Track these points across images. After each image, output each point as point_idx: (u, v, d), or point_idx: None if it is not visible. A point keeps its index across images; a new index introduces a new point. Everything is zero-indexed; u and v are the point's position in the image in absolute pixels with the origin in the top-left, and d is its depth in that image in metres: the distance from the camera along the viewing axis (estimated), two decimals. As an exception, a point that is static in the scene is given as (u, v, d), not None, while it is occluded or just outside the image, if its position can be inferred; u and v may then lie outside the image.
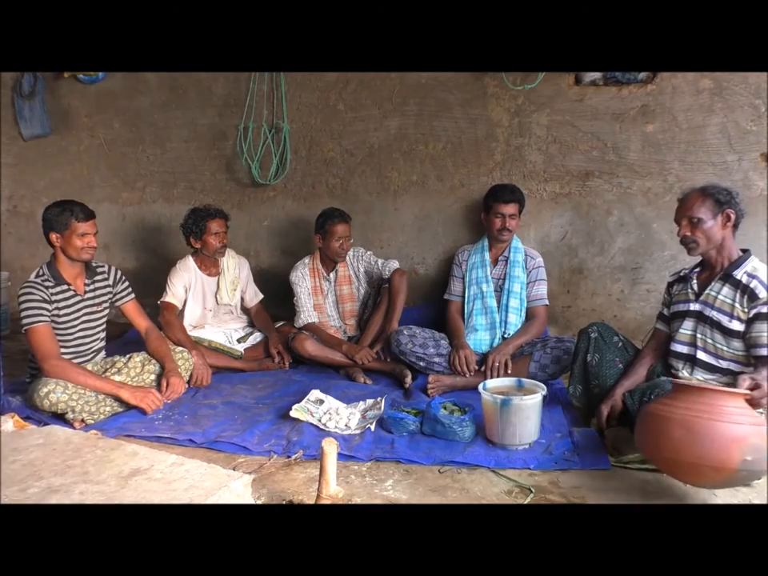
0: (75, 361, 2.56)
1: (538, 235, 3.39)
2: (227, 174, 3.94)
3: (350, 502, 1.82)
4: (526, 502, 1.85)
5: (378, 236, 3.68)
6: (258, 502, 1.80)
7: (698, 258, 2.22)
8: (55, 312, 2.51)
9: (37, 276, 2.53)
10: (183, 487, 1.43)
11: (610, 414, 2.17)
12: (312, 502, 1.74)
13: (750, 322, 2.01)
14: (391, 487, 1.94)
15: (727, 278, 2.09)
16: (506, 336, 2.94)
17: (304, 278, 3.26)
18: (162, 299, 3.13)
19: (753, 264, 2.07)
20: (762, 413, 2.01)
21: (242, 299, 3.40)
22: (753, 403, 1.71)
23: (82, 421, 2.39)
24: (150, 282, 3.80)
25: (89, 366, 2.61)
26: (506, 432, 2.16)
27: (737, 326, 2.04)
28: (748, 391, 1.71)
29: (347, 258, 3.29)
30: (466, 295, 3.07)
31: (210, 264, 3.26)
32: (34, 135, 4.31)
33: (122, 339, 3.54)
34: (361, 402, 2.63)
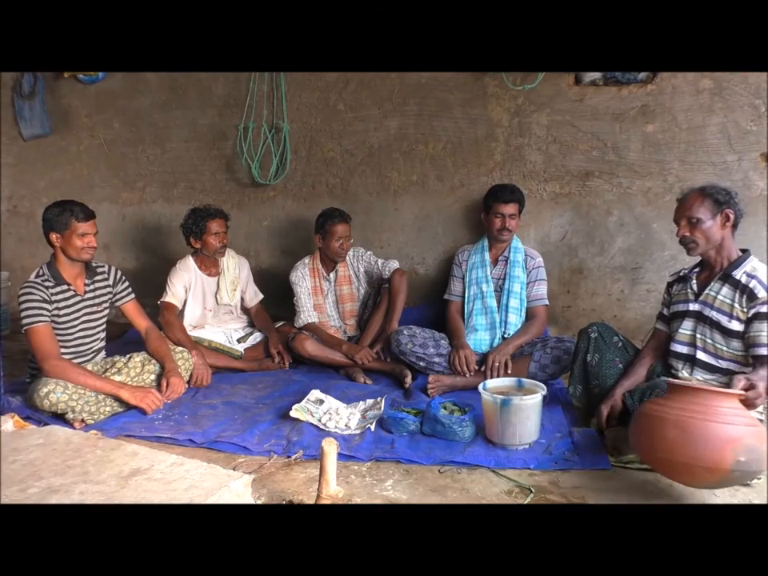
0: (75, 361, 2.56)
1: (538, 235, 3.39)
2: (227, 174, 3.94)
3: (350, 502, 1.83)
4: (525, 502, 1.85)
5: (377, 236, 3.69)
6: (258, 502, 1.80)
7: (698, 258, 2.22)
8: (55, 312, 2.51)
9: (37, 276, 2.53)
10: (183, 487, 1.43)
11: (610, 414, 2.17)
12: (312, 502, 1.74)
13: (748, 322, 2.01)
14: (391, 487, 1.94)
15: (726, 278, 2.09)
16: (505, 336, 2.94)
17: (304, 278, 3.26)
18: (161, 299, 3.13)
19: (752, 264, 2.07)
20: (762, 413, 2.02)
21: (242, 299, 3.40)
22: (747, 404, 1.71)
23: (82, 421, 2.39)
24: (150, 282, 3.80)
25: (89, 366, 2.61)
26: (506, 432, 2.16)
27: (736, 326, 2.04)
28: (742, 392, 1.71)
29: (347, 258, 3.29)
30: (466, 295, 3.07)
31: (210, 264, 3.26)
32: (34, 135, 4.31)
33: (122, 339, 3.54)
34: (361, 402, 2.63)
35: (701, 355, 2.13)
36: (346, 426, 2.40)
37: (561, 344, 2.75)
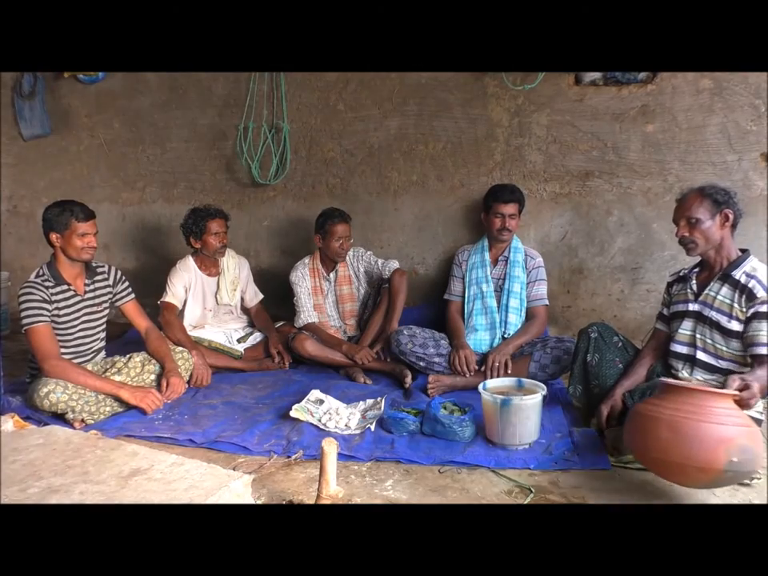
0: (75, 361, 2.56)
1: (538, 235, 3.39)
2: (227, 174, 3.94)
3: (350, 502, 1.83)
4: (525, 502, 1.85)
5: (378, 236, 3.69)
6: (258, 502, 1.80)
7: (698, 258, 2.22)
8: (55, 312, 2.51)
9: (37, 276, 2.53)
10: (183, 487, 1.43)
11: (610, 414, 2.17)
12: (312, 502, 1.74)
13: (747, 322, 2.01)
14: (391, 487, 1.94)
15: (726, 278, 2.09)
16: (505, 336, 2.94)
17: (304, 278, 3.26)
18: (161, 299, 3.13)
19: (752, 264, 2.07)
20: (762, 413, 2.02)
21: (242, 299, 3.40)
22: (742, 404, 1.71)
23: (82, 421, 2.39)
24: (150, 282, 3.80)
25: (89, 366, 2.61)
26: (506, 432, 2.16)
27: (736, 326, 2.04)
28: (737, 392, 1.71)
29: (347, 258, 3.29)
30: (466, 295, 3.07)
31: (210, 264, 3.26)
32: (34, 135, 4.31)
33: (122, 339, 3.54)
34: (361, 402, 2.63)
35: (701, 355, 2.13)
36: (346, 425, 2.40)
37: (561, 344, 2.75)
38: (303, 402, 2.48)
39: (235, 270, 3.33)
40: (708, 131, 3.07)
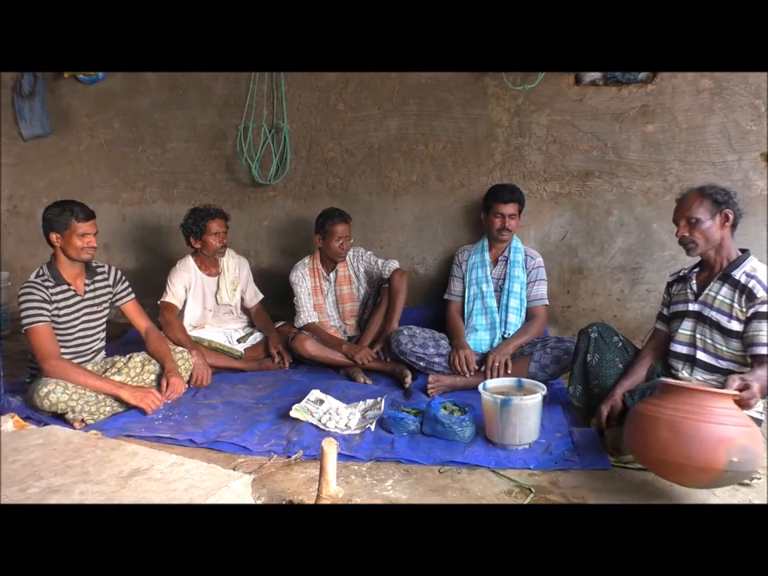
0: (75, 361, 2.56)
1: (538, 235, 3.39)
2: (227, 174, 3.94)
3: (350, 502, 1.83)
4: (525, 502, 1.85)
5: (377, 236, 3.69)
6: (258, 502, 1.80)
7: (698, 258, 2.22)
8: (55, 312, 2.51)
9: (37, 276, 2.53)
10: (183, 487, 1.43)
11: (610, 414, 2.17)
12: (312, 502, 1.74)
13: (747, 322, 2.01)
14: (391, 487, 1.94)
15: (726, 278, 2.09)
16: (505, 336, 2.94)
17: (304, 278, 3.26)
18: (161, 299, 3.13)
19: (752, 264, 2.07)
20: (761, 412, 2.02)
21: (242, 299, 3.40)
22: (742, 404, 1.71)
23: (82, 421, 2.39)
24: (150, 282, 3.80)
25: (89, 366, 2.61)
26: (506, 432, 2.16)
27: (736, 326, 2.03)
28: (736, 392, 1.71)
29: (347, 258, 3.29)
30: (466, 295, 3.07)
31: (210, 264, 3.26)
32: (34, 135, 4.31)
33: (122, 339, 3.54)
34: (361, 402, 2.63)
35: (701, 355, 2.13)
36: (346, 425, 2.40)
37: (561, 344, 2.75)
38: (303, 402, 2.48)
39: (235, 270, 3.33)
40: (708, 131, 3.07)
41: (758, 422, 2.07)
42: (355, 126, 3.62)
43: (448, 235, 3.56)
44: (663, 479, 1.84)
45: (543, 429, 2.28)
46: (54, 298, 2.51)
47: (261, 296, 3.46)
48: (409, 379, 2.85)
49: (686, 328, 2.18)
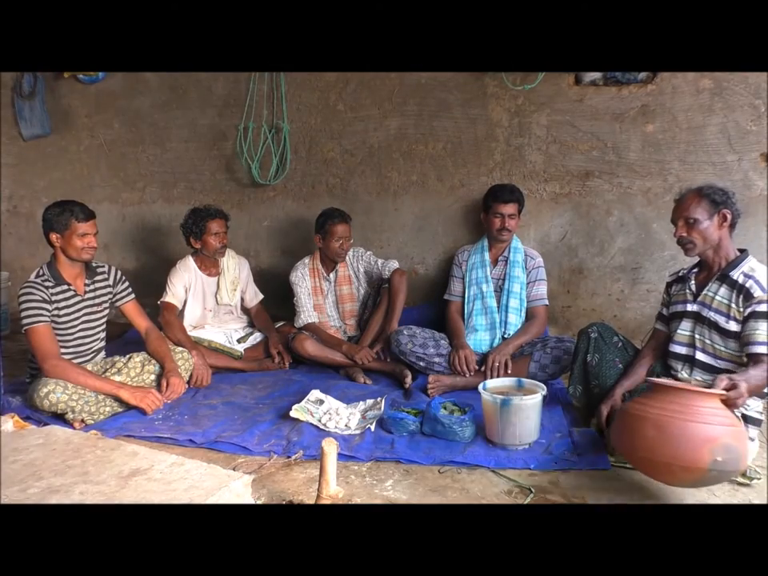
0: (75, 361, 2.56)
1: (537, 235, 3.39)
2: (227, 174, 3.94)
3: (350, 502, 1.83)
4: (525, 502, 1.85)
5: (377, 236, 3.69)
6: (258, 502, 1.80)
7: (697, 258, 2.22)
8: (55, 312, 2.51)
9: (37, 276, 2.53)
10: (183, 487, 1.43)
11: (610, 414, 2.16)
12: (312, 502, 1.74)
13: (744, 321, 2.00)
14: (391, 487, 1.94)
15: (724, 278, 2.09)
16: (505, 336, 2.94)
17: (304, 278, 3.26)
18: (161, 299, 3.13)
19: (750, 264, 2.06)
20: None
21: (242, 299, 3.40)
22: (729, 403, 1.71)
23: (82, 421, 2.39)
24: (150, 282, 3.80)
25: (89, 366, 2.61)
26: (506, 432, 2.16)
27: (733, 326, 2.03)
28: (723, 391, 1.71)
29: (347, 258, 3.29)
30: (466, 295, 3.07)
31: (210, 264, 3.26)
32: (34, 135, 4.31)
33: (122, 339, 3.54)
34: (361, 402, 2.63)
35: (700, 356, 2.13)
36: (346, 426, 2.40)
37: (561, 344, 2.75)
38: (303, 402, 2.48)
39: (235, 270, 3.33)
40: (708, 131, 3.07)
41: (758, 421, 2.07)
42: (355, 126, 3.62)
43: (448, 235, 3.56)
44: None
45: (543, 429, 2.28)
46: (54, 298, 2.51)
47: (261, 296, 3.46)
48: (409, 379, 2.85)
49: (684, 328, 2.18)
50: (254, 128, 3.75)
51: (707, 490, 1.88)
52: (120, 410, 2.52)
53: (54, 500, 1.37)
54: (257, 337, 3.37)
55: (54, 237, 2.51)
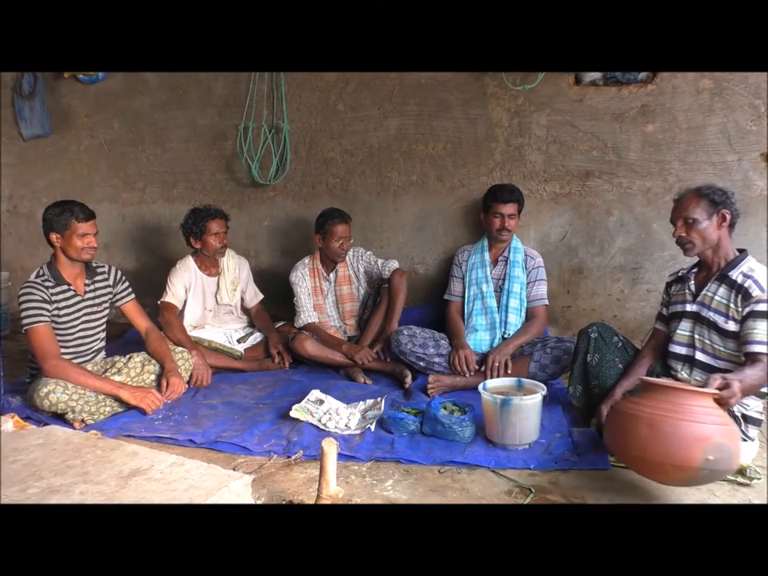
0: (75, 361, 2.56)
1: (537, 235, 3.39)
2: (227, 174, 3.94)
3: (350, 502, 1.83)
4: (525, 502, 1.85)
5: (378, 236, 3.69)
6: (258, 502, 1.80)
7: (697, 258, 2.22)
8: (55, 312, 2.51)
9: (37, 276, 2.53)
10: (183, 487, 1.43)
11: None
12: (312, 502, 1.74)
13: (743, 321, 2.00)
14: (391, 487, 1.94)
15: (723, 278, 2.08)
16: (505, 336, 2.94)
17: (304, 278, 3.26)
18: (161, 299, 3.14)
19: (749, 264, 2.06)
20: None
21: (242, 299, 3.40)
22: (722, 403, 1.71)
23: (82, 421, 2.39)
24: (150, 282, 3.80)
25: (89, 366, 2.61)
26: (506, 432, 2.16)
27: (732, 326, 2.03)
28: (716, 391, 1.71)
29: (347, 258, 3.29)
30: (466, 295, 3.07)
31: (210, 264, 3.26)
32: (34, 135, 4.31)
33: (122, 339, 3.54)
34: (361, 402, 2.63)
35: (699, 356, 2.13)
36: (346, 426, 2.40)
37: (561, 344, 2.75)
38: (303, 402, 2.48)
39: (235, 270, 3.33)
40: (708, 131, 3.07)
41: (758, 421, 2.07)
42: (355, 126, 3.62)
43: (448, 235, 3.56)
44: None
45: (543, 429, 2.28)
46: (54, 298, 2.51)
47: (261, 296, 3.46)
48: (409, 379, 2.86)
49: (684, 329, 2.18)
50: (253, 128, 3.75)
51: (707, 489, 1.88)
52: (120, 410, 2.52)
53: (54, 500, 1.37)
54: (257, 337, 3.37)
55: (54, 237, 2.51)
